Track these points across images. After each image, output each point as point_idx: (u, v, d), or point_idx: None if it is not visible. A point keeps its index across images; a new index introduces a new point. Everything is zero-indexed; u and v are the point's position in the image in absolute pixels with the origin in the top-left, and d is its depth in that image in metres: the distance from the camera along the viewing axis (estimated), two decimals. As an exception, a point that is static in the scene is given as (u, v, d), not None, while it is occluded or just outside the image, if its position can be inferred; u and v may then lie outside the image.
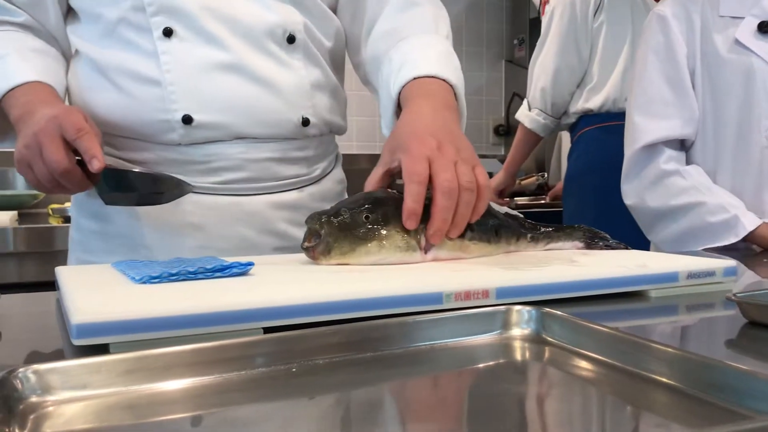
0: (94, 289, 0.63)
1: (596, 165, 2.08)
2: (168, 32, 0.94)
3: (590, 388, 0.47)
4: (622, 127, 1.53)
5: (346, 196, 1.19)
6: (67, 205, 2.00)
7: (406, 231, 0.78)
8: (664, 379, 0.45)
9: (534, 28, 3.24)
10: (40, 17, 1.01)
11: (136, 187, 0.88)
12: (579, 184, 2.16)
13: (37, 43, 1.01)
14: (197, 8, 0.94)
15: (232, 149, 0.98)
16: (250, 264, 0.71)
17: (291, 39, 0.99)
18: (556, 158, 2.97)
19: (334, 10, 1.09)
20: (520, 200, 2.50)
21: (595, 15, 2.11)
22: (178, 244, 0.98)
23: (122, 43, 0.96)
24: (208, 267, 0.69)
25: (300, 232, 1.05)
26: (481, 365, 0.52)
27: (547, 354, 0.52)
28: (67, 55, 1.05)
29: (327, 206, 1.08)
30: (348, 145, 3.16)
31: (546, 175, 2.86)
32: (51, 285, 1.13)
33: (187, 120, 0.94)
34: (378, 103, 1.06)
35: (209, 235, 0.99)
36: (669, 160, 1.29)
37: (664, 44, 1.32)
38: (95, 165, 0.83)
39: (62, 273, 0.73)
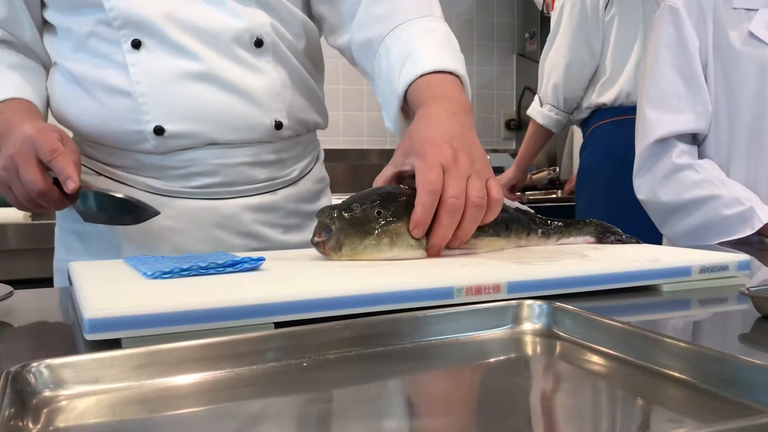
0: (106, 285, 0.64)
1: (610, 159, 2.07)
2: (136, 44, 0.94)
3: (601, 383, 0.47)
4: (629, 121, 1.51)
5: (328, 195, 1.19)
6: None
7: None
8: (676, 374, 0.45)
9: (545, 22, 3.22)
10: (15, 32, 1.02)
11: (109, 209, 0.90)
12: (592, 178, 2.15)
13: (15, 58, 1.02)
14: (162, 20, 0.94)
15: (205, 155, 0.98)
16: (261, 259, 0.71)
17: (259, 43, 0.98)
18: (567, 152, 2.95)
19: (308, 6, 1.07)
20: (532, 194, 2.49)
21: (606, 8, 2.09)
22: (155, 246, 0.99)
23: (94, 55, 0.96)
24: (219, 262, 0.70)
25: (275, 234, 1.05)
26: (492, 360, 0.52)
27: (558, 348, 0.52)
28: (48, 67, 1.06)
29: (304, 207, 1.09)
30: (359, 140, 3.16)
31: (558, 170, 2.85)
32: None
33: (158, 131, 0.95)
34: (374, 90, 1.03)
35: (185, 238, 1.00)
36: (681, 154, 1.28)
37: (675, 37, 1.31)
38: (69, 186, 0.84)
39: (75, 268, 0.74)
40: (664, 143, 1.29)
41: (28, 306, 0.73)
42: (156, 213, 0.91)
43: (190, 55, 0.95)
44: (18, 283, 0.74)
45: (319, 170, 1.16)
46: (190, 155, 0.98)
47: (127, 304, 0.53)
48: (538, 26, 3.26)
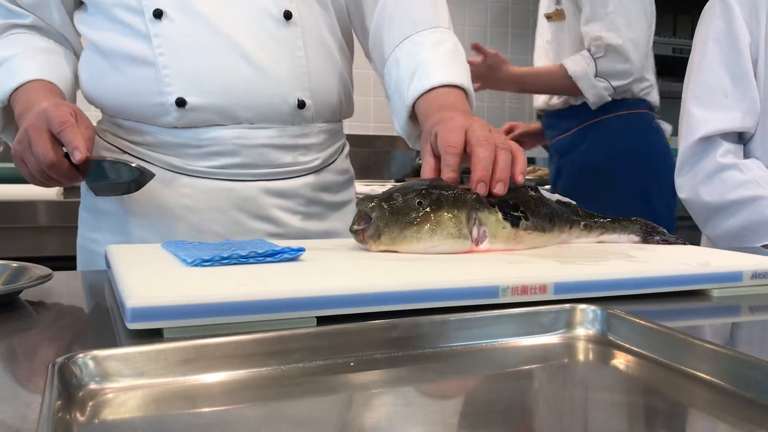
0: (146, 271, 0.63)
1: (611, 158, 1.89)
2: (158, 14, 0.93)
3: (656, 395, 0.45)
4: (633, 117, 1.41)
5: (352, 188, 1.18)
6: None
7: (459, 219, 0.76)
8: (738, 389, 0.43)
9: (582, 12, 3.17)
10: (45, 17, 1.04)
11: (114, 176, 0.90)
12: (587, 177, 1.95)
13: (43, 42, 1.04)
14: None
15: (227, 134, 0.98)
16: (301, 249, 0.70)
17: (288, 15, 0.97)
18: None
19: None
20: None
21: None
22: (172, 225, 0.99)
23: (118, 25, 0.96)
24: (259, 251, 0.69)
25: (293, 220, 1.05)
26: (544, 365, 0.50)
27: (612, 356, 0.50)
28: (78, 52, 1.08)
29: (324, 197, 1.09)
30: (389, 126, 3.14)
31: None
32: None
33: (180, 103, 0.95)
34: (386, 96, 1.08)
35: (202, 218, 1.00)
36: (726, 153, 1.24)
37: (725, 31, 1.27)
38: (76, 156, 0.84)
39: (113, 252, 0.73)
40: (708, 141, 1.26)
41: (66, 288, 0.73)
42: (152, 175, 0.91)
43: (213, 27, 0.94)
44: (48, 261, 0.74)
45: (343, 162, 1.15)
46: (211, 134, 0.97)
47: (169, 294, 0.52)
48: (575, 16, 3.20)
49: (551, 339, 0.52)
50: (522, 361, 0.50)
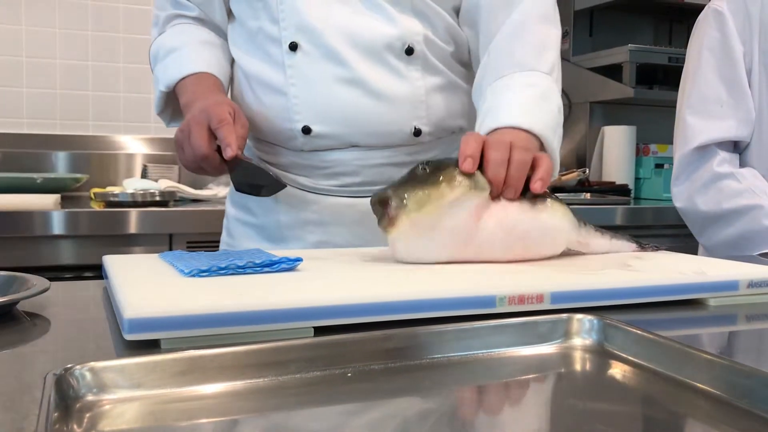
0: (144, 283, 0.63)
1: None
2: (293, 46, 1.01)
3: (652, 405, 0.45)
4: None
5: None
6: (108, 189, 2.01)
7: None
8: (734, 399, 0.43)
9: (578, 21, 3.18)
10: (209, 12, 1.13)
11: (255, 179, 0.98)
12: None
13: (207, 35, 1.12)
14: (325, 25, 1.00)
15: (348, 156, 1.04)
16: (299, 260, 0.71)
17: (410, 51, 1.02)
18: (597, 153, 2.91)
19: (457, 14, 1.08)
20: (561, 196, 2.45)
21: None
22: (302, 237, 1.08)
23: (260, 51, 1.05)
24: (257, 262, 0.69)
25: None
26: (541, 376, 0.50)
27: (608, 366, 0.50)
28: None
29: None
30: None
31: (587, 171, 2.80)
32: (92, 268, 1.14)
33: (306, 130, 1.02)
34: None
35: (328, 231, 1.07)
36: (722, 162, 1.25)
37: (720, 41, 1.28)
38: (228, 152, 0.92)
39: (110, 263, 0.73)
40: (704, 151, 1.26)
41: (63, 299, 0.73)
42: (284, 186, 0.98)
43: (340, 61, 1.00)
44: (45, 271, 0.73)
45: None
46: (334, 156, 1.04)
47: (167, 305, 0.52)
48: (571, 25, 3.21)
49: (548, 349, 0.52)
50: (519, 371, 0.50)
